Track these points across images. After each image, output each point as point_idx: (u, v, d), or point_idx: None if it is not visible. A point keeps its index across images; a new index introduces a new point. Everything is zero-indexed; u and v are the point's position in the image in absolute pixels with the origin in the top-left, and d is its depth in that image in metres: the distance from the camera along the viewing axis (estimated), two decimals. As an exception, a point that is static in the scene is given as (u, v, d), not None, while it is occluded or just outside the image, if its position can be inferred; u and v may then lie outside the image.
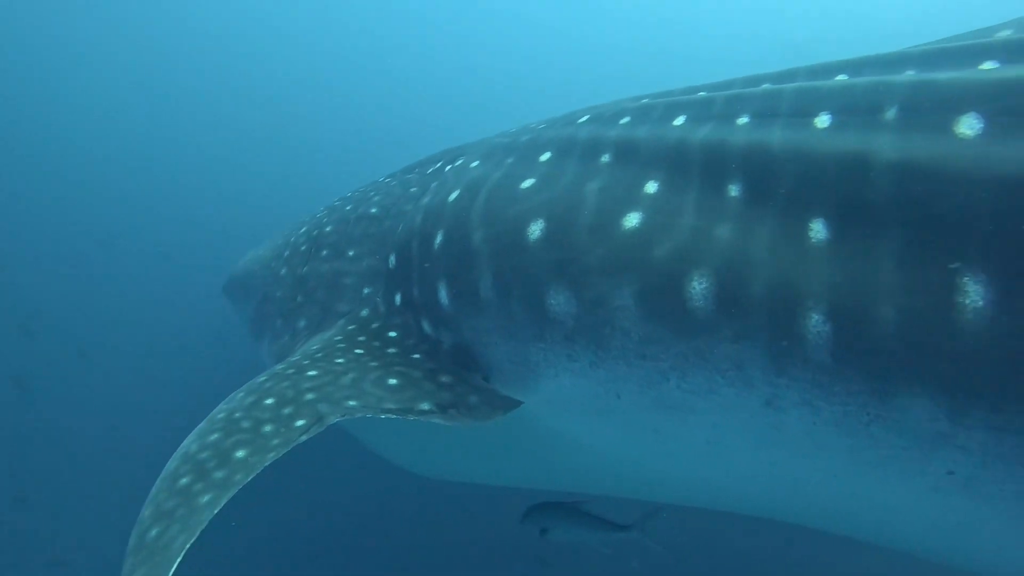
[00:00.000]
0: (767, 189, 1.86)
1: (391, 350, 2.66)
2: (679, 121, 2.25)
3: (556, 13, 24.67)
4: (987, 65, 1.78)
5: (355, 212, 3.55)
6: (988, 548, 1.91)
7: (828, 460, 1.86)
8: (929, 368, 1.54)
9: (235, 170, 15.04)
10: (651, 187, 2.10)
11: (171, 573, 1.67)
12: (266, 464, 1.98)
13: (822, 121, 1.88)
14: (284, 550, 5.57)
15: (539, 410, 2.47)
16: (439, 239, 2.65)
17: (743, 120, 2.06)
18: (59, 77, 16.65)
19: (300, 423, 2.11)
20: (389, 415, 2.20)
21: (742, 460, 2.12)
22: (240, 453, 2.01)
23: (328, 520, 5.79)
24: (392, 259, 2.99)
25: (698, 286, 1.86)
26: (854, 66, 2.14)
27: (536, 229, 2.26)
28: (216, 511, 1.85)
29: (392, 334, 2.77)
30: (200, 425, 2.23)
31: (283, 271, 3.72)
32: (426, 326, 2.70)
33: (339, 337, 2.78)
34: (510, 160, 2.69)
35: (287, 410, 2.18)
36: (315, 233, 3.68)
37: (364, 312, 2.98)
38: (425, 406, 2.28)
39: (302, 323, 3.27)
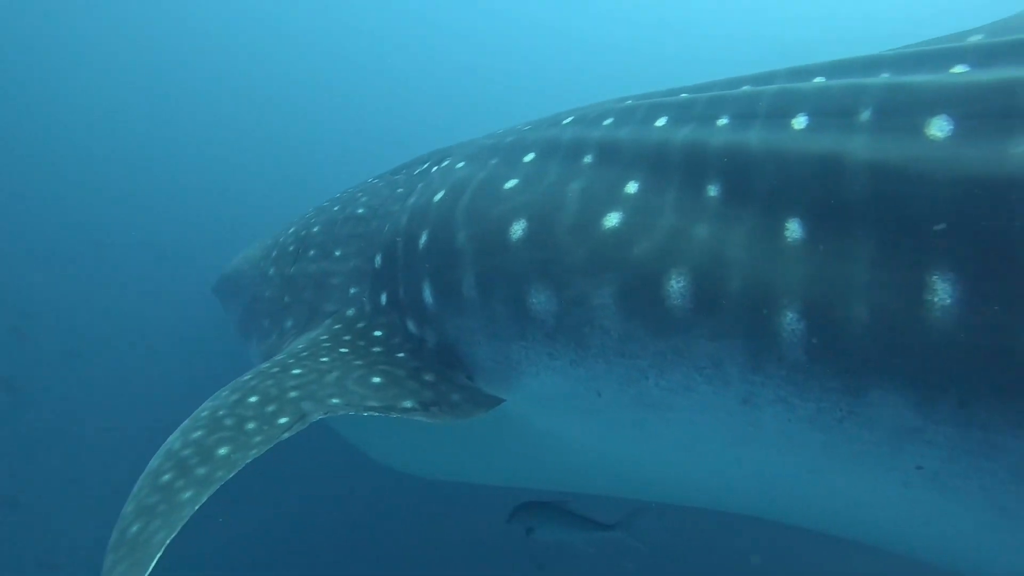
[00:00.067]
0: (745, 189, 1.89)
1: (376, 349, 2.68)
2: (661, 122, 2.28)
3: (555, 14, 24.77)
4: (958, 69, 1.81)
5: (342, 213, 3.57)
6: (959, 543, 1.94)
7: (803, 456, 1.89)
8: (899, 364, 1.57)
9: (231, 170, 15.00)
10: (632, 187, 2.13)
11: (151, 568, 1.68)
12: (248, 461, 2.00)
13: (799, 122, 1.91)
14: (271, 548, 5.57)
15: (522, 409, 2.49)
16: (424, 239, 2.67)
17: (723, 121, 2.08)
18: (50, 77, 16.60)
19: (283, 420, 2.13)
20: (372, 413, 2.22)
21: (721, 457, 2.15)
22: (223, 450, 2.02)
23: (318, 519, 5.78)
24: (378, 259, 3.01)
25: (676, 285, 1.88)
26: (832, 68, 2.16)
27: (518, 229, 2.29)
28: (197, 507, 1.86)
29: (377, 333, 2.79)
30: (184, 423, 2.25)
31: (271, 271, 3.74)
32: (411, 325, 2.72)
33: (325, 336, 2.80)
34: (494, 161, 2.71)
35: (270, 408, 2.19)
36: (303, 233, 3.70)
37: (350, 312, 3.00)
38: (408, 404, 2.30)
39: (289, 323, 3.28)
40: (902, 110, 1.72)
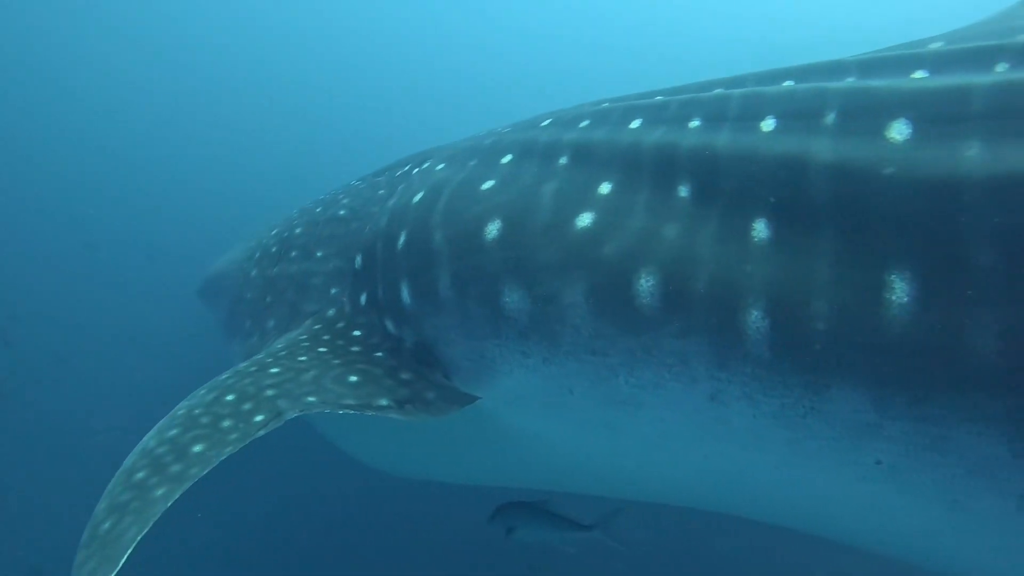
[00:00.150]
0: (713, 190, 1.92)
1: (354, 348, 2.70)
2: (635, 124, 2.31)
3: (554, 14, 24.89)
4: (918, 74, 1.85)
5: (324, 214, 3.60)
6: (920, 540, 1.97)
7: (769, 452, 1.92)
8: (858, 361, 1.60)
9: (221, 172, 15.00)
10: (604, 188, 2.16)
11: (121, 564, 1.69)
12: (223, 458, 2.01)
13: (767, 125, 1.94)
14: (254, 545, 5.55)
15: (497, 407, 2.52)
16: (402, 239, 2.69)
17: (694, 123, 2.12)
18: (42, 78, 16.56)
19: (259, 418, 2.14)
20: (347, 410, 2.23)
21: (690, 454, 2.18)
22: (197, 448, 2.04)
23: (306, 519, 5.77)
24: (358, 260, 3.03)
25: (645, 283, 1.91)
26: (801, 72, 2.21)
27: (493, 229, 2.31)
28: (170, 504, 1.87)
29: (356, 333, 2.81)
30: (161, 421, 2.26)
31: (254, 272, 3.76)
32: (389, 325, 2.74)
33: (304, 336, 2.82)
34: (473, 162, 2.74)
35: (247, 406, 2.21)
36: (285, 235, 3.72)
37: (330, 312, 3.02)
38: (383, 402, 2.32)
39: (271, 323, 3.30)
40: (864, 113, 1.76)
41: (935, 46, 1.97)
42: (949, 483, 1.63)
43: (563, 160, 2.37)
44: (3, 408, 7.45)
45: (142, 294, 9.75)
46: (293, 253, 3.52)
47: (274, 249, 3.71)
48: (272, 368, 2.46)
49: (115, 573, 1.68)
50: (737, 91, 2.16)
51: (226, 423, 2.14)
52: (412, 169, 3.38)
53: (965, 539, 1.81)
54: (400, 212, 2.82)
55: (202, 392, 2.37)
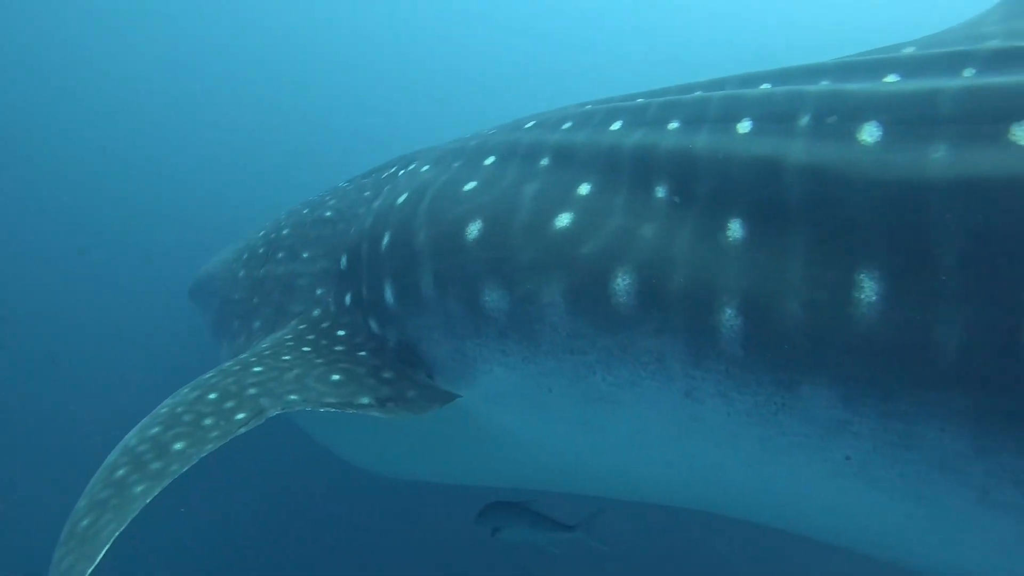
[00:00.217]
0: (690, 191, 1.94)
1: (338, 348, 2.72)
2: (616, 126, 2.34)
3: (554, 15, 24.96)
4: (890, 78, 1.89)
5: (311, 215, 3.62)
6: (892, 537, 1.99)
7: (743, 449, 1.94)
8: (828, 358, 1.63)
9: (214, 174, 14.99)
10: (584, 189, 2.19)
11: (98, 560, 1.70)
12: (203, 455, 2.03)
13: (743, 127, 1.97)
14: (239, 543, 5.54)
15: (478, 405, 2.54)
16: (386, 240, 2.71)
17: (673, 125, 2.15)
18: (36, 80, 16.55)
19: (240, 416, 2.16)
20: (329, 409, 2.25)
21: (667, 451, 2.20)
22: (178, 445, 2.05)
23: (293, 516, 5.77)
24: (344, 260, 3.05)
25: (622, 283, 1.93)
26: (778, 75, 2.23)
27: (474, 229, 2.34)
28: (149, 500, 1.88)
29: (341, 333, 2.83)
30: (143, 420, 2.28)
31: (241, 273, 3.77)
32: (373, 325, 2.76)
33: (289, 336, 2.83)
34: (457, 164, 2.77)
35: (229, 404, 2.22)
36: (273, 236, 3.74)
37: (316, 312, 3.04)
38: (364, 400, 2.34)
39: (258, 324, 3.31)
40: (838, 116, 1.79)
41: (908, 51, 2.01)
42: (916, 478, 1.65)
43: (545, 161, 2.40)
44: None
45: (137, 295, 9.73)
46: (280, 254, 3.54)
47: (261, 250, 3.73)
48: (255, 367, 2.48)
49: (92, 569, 1.69)
50: (716, 94, 2.19)
51: (208, 421, 2.15)
52: (398, 171, 3.41)
53: (933, 534, 1.83)
54: (385, 213, 2.84)
55: (185, 391, 2.39)
